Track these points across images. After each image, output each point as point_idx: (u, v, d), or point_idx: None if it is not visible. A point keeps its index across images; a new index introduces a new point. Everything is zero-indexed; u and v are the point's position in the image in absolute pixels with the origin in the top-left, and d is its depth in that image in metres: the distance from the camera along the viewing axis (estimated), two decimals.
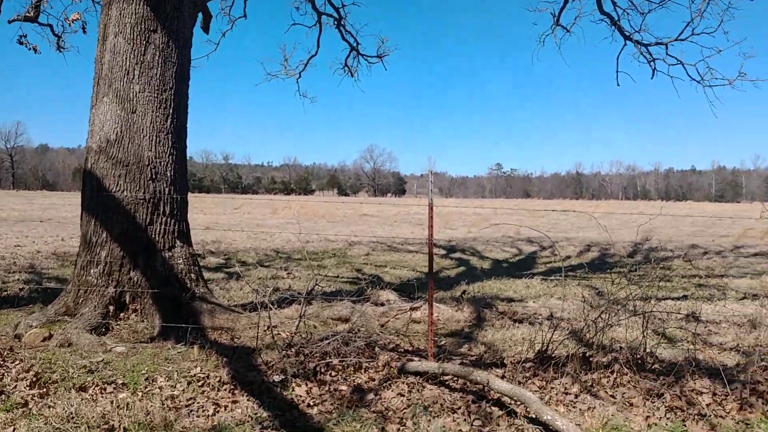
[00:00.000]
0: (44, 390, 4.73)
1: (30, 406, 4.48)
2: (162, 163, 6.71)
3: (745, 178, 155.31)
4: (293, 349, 5.39)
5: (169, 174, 6.74)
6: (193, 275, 6.77)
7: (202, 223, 26.44)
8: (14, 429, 4.12)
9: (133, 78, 6.69)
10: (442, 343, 6.37)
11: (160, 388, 4.92)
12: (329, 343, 5.48)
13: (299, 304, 7.25)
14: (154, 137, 6.69)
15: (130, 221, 6.50)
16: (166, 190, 6.71)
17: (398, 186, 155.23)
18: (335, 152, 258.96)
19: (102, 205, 6.56)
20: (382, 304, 7.84)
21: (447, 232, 24.93)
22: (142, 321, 6.40)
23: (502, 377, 4.98)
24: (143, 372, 5.22)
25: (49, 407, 4.49)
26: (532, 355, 5.53)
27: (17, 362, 5.28)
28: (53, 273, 11.45)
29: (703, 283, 11.67)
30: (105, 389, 4.83)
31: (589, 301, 8.37)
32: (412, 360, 5.48)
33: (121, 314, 6.42)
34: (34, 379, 4.89)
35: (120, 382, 4.98)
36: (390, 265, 13.74)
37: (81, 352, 5.70)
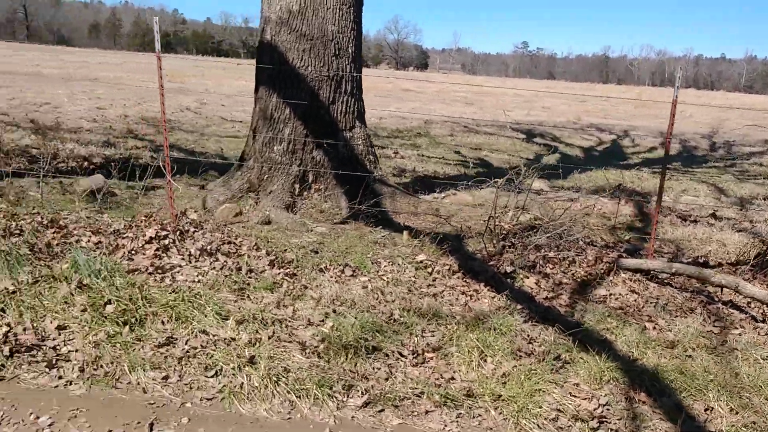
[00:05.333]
0: (289, 270, 4.79)
1: (285, 287, 4.54)
2: (344, 39, 6.42)
3: None
4: (510, 240, 5.40)
5: (350, 50, 6.47)
6: (371, 157, 6.68)
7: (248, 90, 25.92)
8: (294, 309, 4.20)
9: None
10: (627, 238, 6.38)
11: (392, 273, 4.97)
12: (540, 236, 5.47)
13: (454, 188, 7.21)
14: (338, 10, 6.35)
15: (314, 98, 6.33)
16: (348, 67, 6.47)
17: (421, 60, 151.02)
18: None
19: (285, 80, 6.35)
20: (537, 193, 7.79)
21: (506, 114, 24.43)
22: (326, 201, 6.39)
23: None
24: (367, 255, 5.25)
25: (306, 287, 4.55)
26: (751, 257, 5.53)
27: (238, 238, 5.31)
28: (160, 140, 11.39)
29: None
30: (343, 271, 4.89)
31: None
32: (623, 256, 5.49)
33: (305, 193, 6.40)
34: (272, 258, 4.93)
35: (352, 265, 5.02)
36: (483, 148, 13.60)
37: (286, 231, 5.73)
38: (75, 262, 4.43)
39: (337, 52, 6.37)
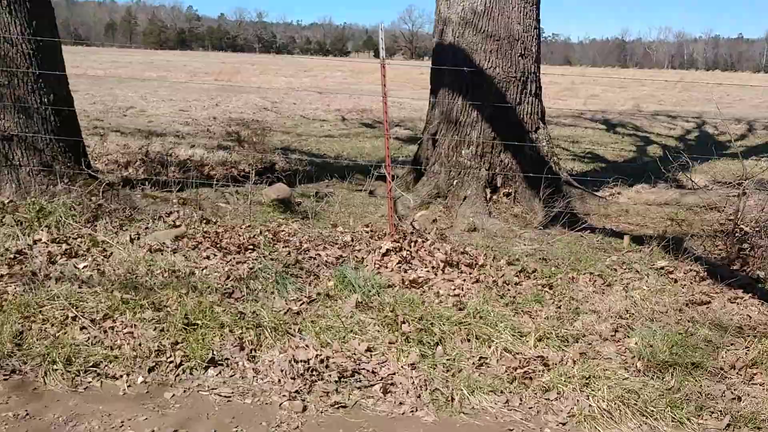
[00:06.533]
0: (541, 281, 4.66)
1: (550, 299, 4.41)
2: (529, 38, 6.26)
3: None
4: (745, 242, 5.23)
5: (533, 50, 6.32)
6: (555, 158, 6.53)
7: (301, 85, 25.76)
8: (584, 324, 4.07)
9: None
10: None
11: (638, 280, 4.81)
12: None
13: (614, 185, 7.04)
14: (522, 8, 6.19)
15: (500, 101, 6.18)
16: (532, 67, 6.31)
17: None
18: (369, 13, 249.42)
19: (470, 83, 6.21)
20: (693, 189, 7.61)
21: (561, 103, 24.14)
22: (516, 205, 6.25)
23: None
24: (603, 262, 5.10)
25: (573, 299, 4.42)
26: None
27: (467, 247, 5.18)
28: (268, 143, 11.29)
29: None
30: (594, 281, 4.75)
31: None
32: None
33: (494, 197, 6.26)
34: (518, 268, 4.80)
35: (596, 273, 4.87)
36: (580, 141, 13.40)
37: (496, 238, 5.60)
38: (342, 278, 4.33)
39: (523, 52, 6.22)
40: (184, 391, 3.36)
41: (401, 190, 6.67)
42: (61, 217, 4.94)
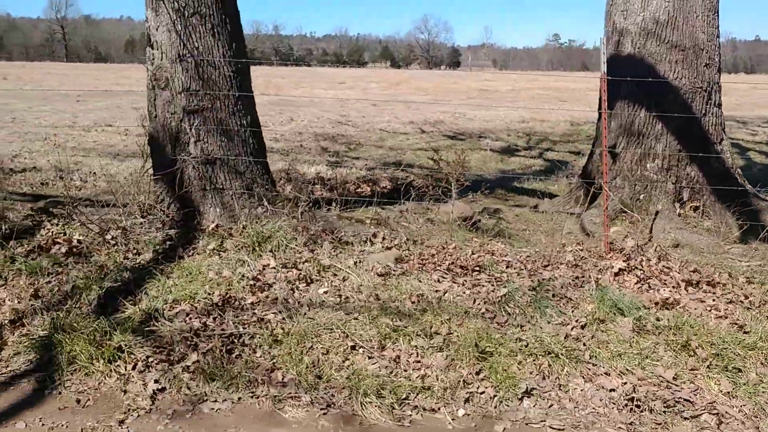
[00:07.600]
0: None
1: None
2: (712, 47, 6.11)
3: None
4: None
5: (716, 59, 6.16)
6: (739, 170, 6.36)
7: (347, 97, 25.67)
8: None
9: None
10: None
11: None
12: None
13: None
14: (705, 17, 6.05)
15: (685, 112, 6.02)
16: (716, 77, 6.15)
17: (453, 58, 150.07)
18: (384, 23, 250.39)
19: (653, 94, 6.05)
20: None
21: None
22: (705, 219, 6.07)
23: None
24: None
25: None
26: None
27: (691, 265, 5.01)
28: (360, 154, 11.22)
29: None
30: None
31: None
32: None
33: (680, 211, 6.09)
34: (766, 288, 4.62)
35: None
36: None
37: (703, 254, 5.43)
38: (602, 300, 4.18)
39: (707, 62, 6.06)
40: (512, 424, 3.22)
41: (571, 206, 6.52)
42: (282, 240, 4.83)
